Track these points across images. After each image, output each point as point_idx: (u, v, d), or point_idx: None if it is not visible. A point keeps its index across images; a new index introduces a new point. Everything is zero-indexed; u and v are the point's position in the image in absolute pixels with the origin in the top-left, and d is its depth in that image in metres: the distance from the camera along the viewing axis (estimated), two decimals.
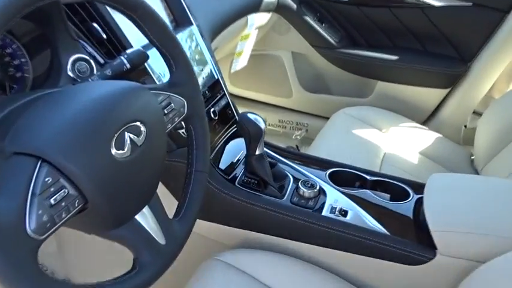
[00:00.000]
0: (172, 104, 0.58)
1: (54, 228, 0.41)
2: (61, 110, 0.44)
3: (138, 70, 0.71)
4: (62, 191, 0.41)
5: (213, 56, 0.98)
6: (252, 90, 1.80)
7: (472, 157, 1.33)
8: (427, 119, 1.54)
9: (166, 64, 0.61)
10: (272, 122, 1.78)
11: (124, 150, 0.47)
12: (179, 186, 0.66)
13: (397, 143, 1.31)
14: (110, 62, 0.67)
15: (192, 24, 0.95)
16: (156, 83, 0.76)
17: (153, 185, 0.54)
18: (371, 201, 0.85)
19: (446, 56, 1.47)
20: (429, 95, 1.50)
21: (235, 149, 0.94)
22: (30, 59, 0.64)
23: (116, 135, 0.46)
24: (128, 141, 0.47)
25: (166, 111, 0.57)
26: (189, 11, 0.96)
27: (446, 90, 1.48)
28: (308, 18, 1.56)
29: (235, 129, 0.98)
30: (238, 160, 0.92)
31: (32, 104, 0.47)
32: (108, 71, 0.64)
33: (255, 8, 1.37)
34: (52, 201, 0.40)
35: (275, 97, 1.76)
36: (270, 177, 0.87)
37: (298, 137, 1.73)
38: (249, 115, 0.85)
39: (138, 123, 0.49)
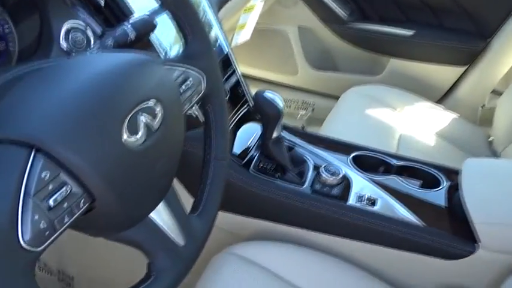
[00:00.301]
0: (190, 80, 0.49)
1: (55, 236, 0.33)
2: (59, 86, 0.35)
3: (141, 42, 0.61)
4: (64, 188, 0.33)
5: (221, 28, 0.88)
6: (255, 67, 1.69)
7: (490, 138, 1.26)
8: (442, 98, 1.46)
9: (181, 32, 0.52)
10: None
11: (137, 135, 0.38)
12: (192, 176, 0.57)
13: (413, 123, 1.24)
14: (111, 32, 0.57)
15: None
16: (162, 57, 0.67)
17: (171, 177, 0.45)
18: (401, 189, 0.77)
19: (465, 31, 1.38)
20: (445, 73, 1.42)
21: (248, 132, 0.85)
22: (15, 28, 0.54)
23: (128, 117, 0.37)
24: (142, 125, 0.38)
25: (183, 89, 0.48)
26: None
27: (464, 68, 1.40)
28: None
29: (247, 109, 0.89)
30: (251, 143, 0.83)
31: (21, 80, 0.37)
32: (110, 41, 0.55)
33: None
34: (51, 202, 0.32)
35: (279, 75, 1.66)
36: (288, 162, 0.78)
37: (304, 117, 1.65)
38: (266, 94, 0.76)
39: (153, 103, 0.40)
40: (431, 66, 1.42)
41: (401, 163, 0.83)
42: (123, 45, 0.55)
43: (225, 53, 0.86)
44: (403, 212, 0.72)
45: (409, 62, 1.44)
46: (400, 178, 0.80)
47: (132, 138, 0.37)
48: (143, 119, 0.38)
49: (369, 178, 0.79)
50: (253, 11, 1.34)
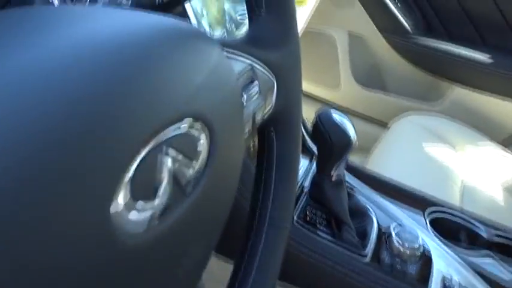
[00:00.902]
0: (256, 85, 0.26)
1: None
2: (15, 53, 0.13)
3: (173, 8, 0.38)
4: None
5: None
6: None
7: None
8: (507, 139, 1.23)
9: (247, 3, 0.29)
10: (308, 118, 1.44)
11: (153, 203, 0.16)
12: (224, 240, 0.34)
13: (476, 168, 1.03)
14: None
15: None
16: None
17: (200, 274, 0.23)
18: (501, 279, 0.54)
19: None
20: None
21: None
22: None
23: (141, 155, 0.15)
24: (165, 179, 0.16)
25: (247, 96, 0.25)
26: None
27: None
28: None
29: None
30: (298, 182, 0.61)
31: None
32: None
33: None
34: None
35: (316, 87, 1.42)
36: (348, 215, 0.56)
37: None
38: (334, 115, 0.53)
39: (194, 125, 0.17)
40: (501, 101, 1.19)
41: (498, 239, 0.60)
42: (147, 6, 0.32)
43: None
44: None
45: (476, 93, 1.20)
46: (499, 260, 0.57)
47: (136, 215, 0.15)
48: (169, 162, 0.16)
49: (455, 253, 0.56)
50: (304, 5, 1.12)
